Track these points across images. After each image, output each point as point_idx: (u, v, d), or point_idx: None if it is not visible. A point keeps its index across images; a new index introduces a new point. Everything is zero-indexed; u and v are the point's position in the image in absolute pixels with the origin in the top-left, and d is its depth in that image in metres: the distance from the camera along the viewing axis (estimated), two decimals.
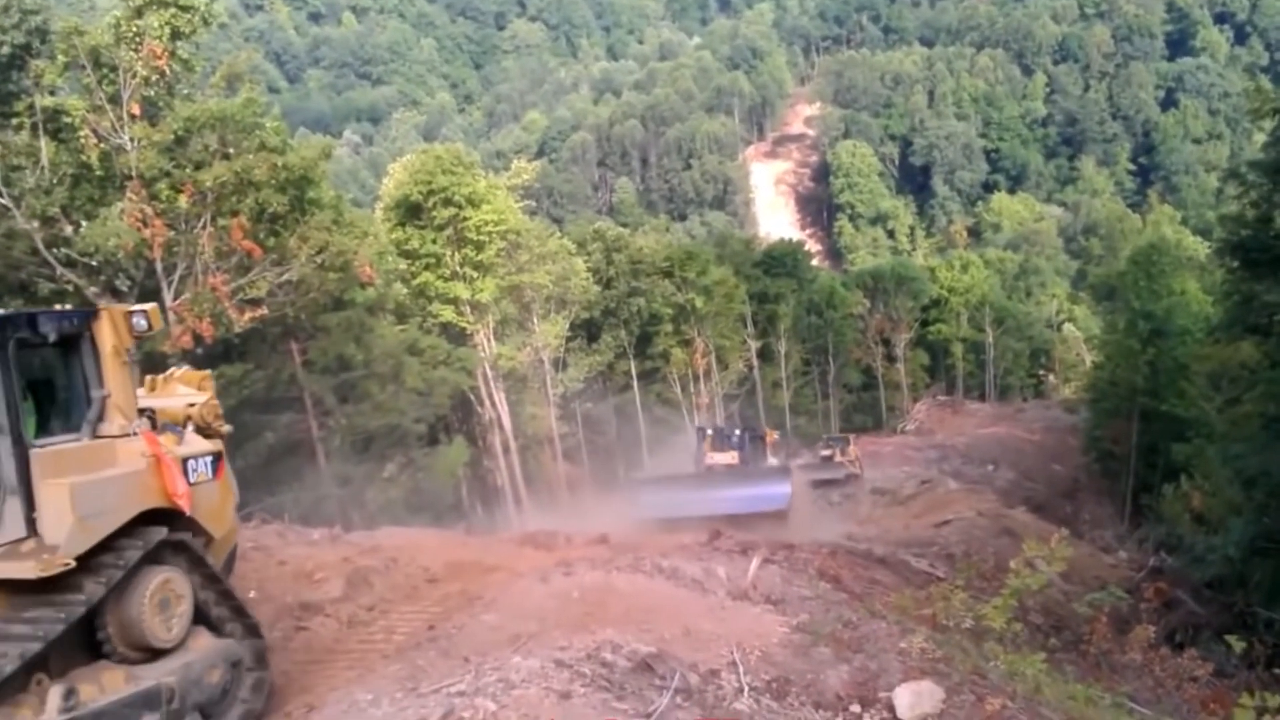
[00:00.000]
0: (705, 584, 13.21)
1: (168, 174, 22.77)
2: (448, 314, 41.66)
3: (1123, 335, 50.07)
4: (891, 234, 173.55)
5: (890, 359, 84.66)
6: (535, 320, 46.57)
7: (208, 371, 11.59)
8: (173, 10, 22.83)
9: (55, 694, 7.60)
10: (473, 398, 44.06)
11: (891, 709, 8.92)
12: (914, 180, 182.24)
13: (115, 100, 22.07)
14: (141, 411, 9.19)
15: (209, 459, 9.57)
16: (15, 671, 7.28)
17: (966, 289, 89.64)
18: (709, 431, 35.71)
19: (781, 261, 79.33)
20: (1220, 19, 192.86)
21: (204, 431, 9.90)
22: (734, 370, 66.59)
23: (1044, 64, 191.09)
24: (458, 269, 41.05)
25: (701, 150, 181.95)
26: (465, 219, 39.90)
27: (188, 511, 8.95)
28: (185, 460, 9.18)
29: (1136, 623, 15.89)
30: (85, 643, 8.21)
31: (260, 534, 14.16)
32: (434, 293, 41.38)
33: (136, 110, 22.35)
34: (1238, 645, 11.93)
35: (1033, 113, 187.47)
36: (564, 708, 8.05)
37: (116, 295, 22.95)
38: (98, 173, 22.21)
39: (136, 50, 22.25)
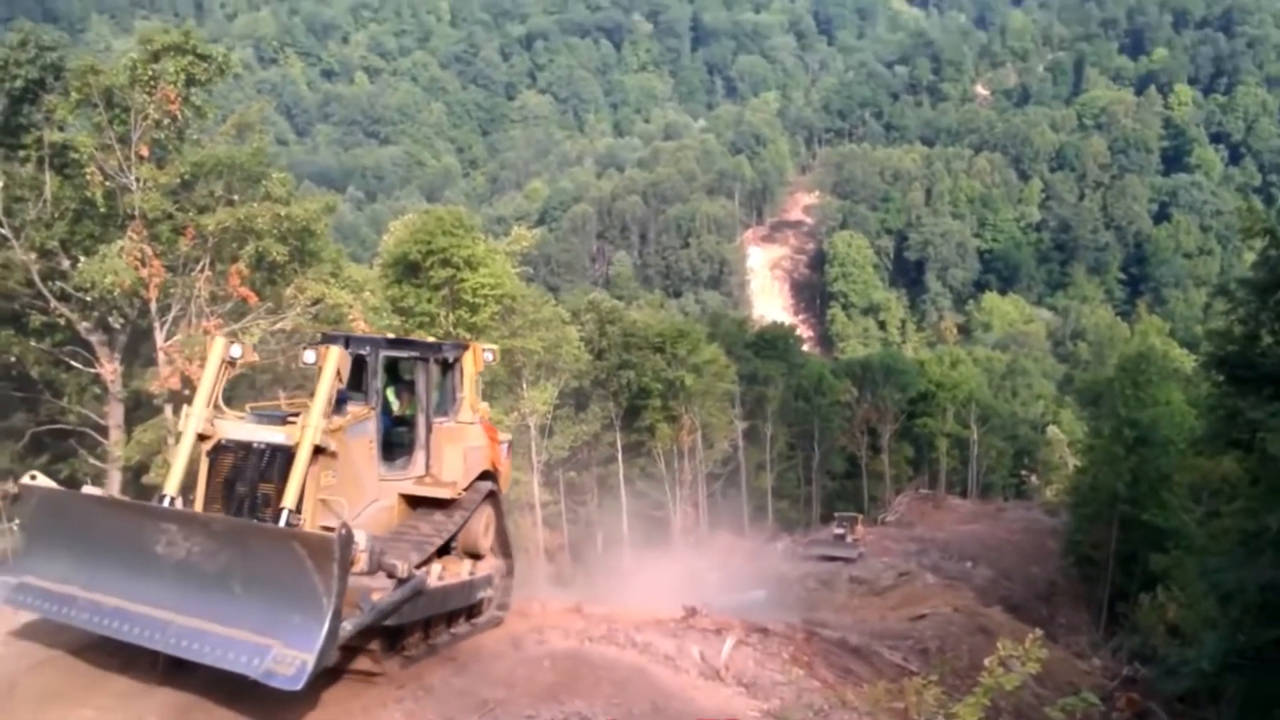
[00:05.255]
0: (678, 661, 13.12)
1: (170, 216, 22.80)
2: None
3: (1107, 441, 50.17)
4: (883, 325, 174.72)
5: (875, 449, 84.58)
6: (524, 385, 46.51)
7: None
8: (190, 58, 23.01)
9: (467, 564, 13.02)
10: None
11: None
12: (907, 274, 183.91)
13: (124, 140, 22.15)
14: None
15: (506, 444, 14.96)
16: (433, 553, 12.00)
17: (954, 385, 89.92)
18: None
19: (773, 344, 79.72)
20: (1216, 138, 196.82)
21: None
22: (719, 449, 66.44)
23: (1040, 170, 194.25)
24: (451, 329, 41.10)
25: (700, 230, 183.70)
26: (462, 280, 40.00)
27: (500, 475, 14.20)
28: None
29: None
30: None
31: None
32: None
33: (145, 152, 22.42)
34: None
35: (1027, 217, 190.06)
36: None
37: (108, 332, 22.91)
38: (101, 210, 22.18)
39: (150, 93, 22.36)
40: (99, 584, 9.97)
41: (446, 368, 13.30)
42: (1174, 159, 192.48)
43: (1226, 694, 24.64)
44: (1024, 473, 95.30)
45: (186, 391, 22.28)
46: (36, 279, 21.53)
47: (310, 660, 8.79)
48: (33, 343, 22.33)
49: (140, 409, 23.61)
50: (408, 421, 12.71)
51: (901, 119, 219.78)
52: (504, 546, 14.37)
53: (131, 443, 22.30)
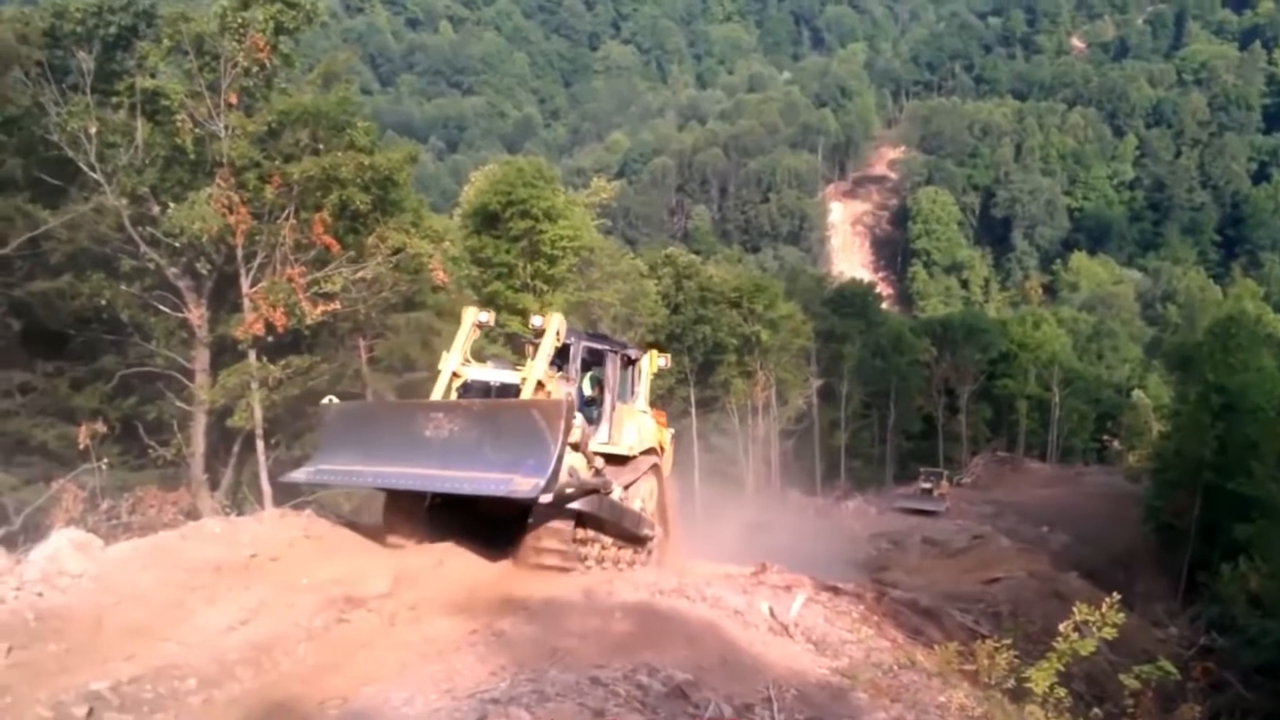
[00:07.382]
0: (747, 616, 13.15)
1: (257, 164, 23.04)
2: (514, 324, 41.90)
3: (1193, 407, 48.96)
4: (965, 284, 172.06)
5: (952, 410, 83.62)
6: None
7: None
8: (279, 6, 23.16)
9: (638, 502, 15.98)
10: None
11: None
12: (993, 232, 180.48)
13: (214, 88, 22.36)
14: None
15: (671, 433, 18.57)
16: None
17: (1037, 346, 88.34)
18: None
19: (851, 302, 79.00)
20: None
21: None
22: (793, 406, 66.14)
23: (1136, 127, 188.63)
24: (528, 281, 41.27)
25: (781, 184, 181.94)
26: (541, 232, 40.05)
27: (663, 455, 17.47)
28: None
29: (1183, 701, 15.53)
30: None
31: (314, 524, 14.34)
32: (503, 302, 41.59)
33: (234, 99, 22.62)
34: None
35: (1120, 175, 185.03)
36: None
37: (196, 278, 23.39)
38: (190, 156, 22.48)
39: (239, 41, 22.59)
40: (380, 460, 13.39)
41: (629, 363, 16.48)
42: (1276, 117, 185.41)
43: None
44: (1106, 437, 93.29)
45: (270, 338, 22.75)
46: (127, 224, 21.91)
47: (542, 482, 11.77)
48: (123, 287, 22.74)
49: (225, 354, 24.08)
50: (596, 403, 15.55)
51: (993, 72, 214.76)
52: (663, 518, 17.41)
53: (217, 386, 22.80)
